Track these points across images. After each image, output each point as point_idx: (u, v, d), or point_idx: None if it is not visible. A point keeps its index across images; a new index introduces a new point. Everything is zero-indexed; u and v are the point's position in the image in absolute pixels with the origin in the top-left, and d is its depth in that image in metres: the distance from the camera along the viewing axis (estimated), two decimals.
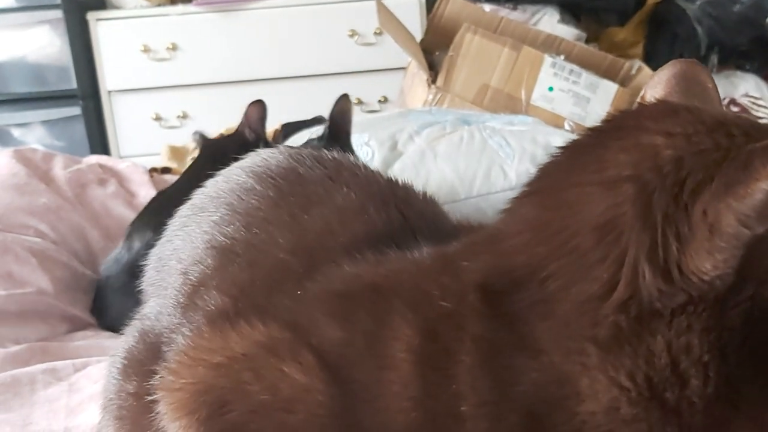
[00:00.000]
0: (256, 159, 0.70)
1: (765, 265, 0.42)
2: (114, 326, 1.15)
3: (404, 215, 0.62)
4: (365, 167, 0.69)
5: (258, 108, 1.30)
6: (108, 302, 1.26)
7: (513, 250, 0.48)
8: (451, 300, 0.50)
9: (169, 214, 0.75)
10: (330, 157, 0.69)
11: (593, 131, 0.49)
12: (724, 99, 2.17)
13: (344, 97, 1.22)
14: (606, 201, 0.45)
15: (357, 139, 1.38)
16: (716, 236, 0.41)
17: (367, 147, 1.36)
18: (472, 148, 1.34)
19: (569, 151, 0.50)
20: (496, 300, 0.48)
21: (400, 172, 1.27)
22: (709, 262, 0.41)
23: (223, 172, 0.72)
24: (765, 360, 0.43)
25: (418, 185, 0.70)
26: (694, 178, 0.42)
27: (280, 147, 0.70)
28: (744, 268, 0.42)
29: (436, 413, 0.48)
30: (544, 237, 0.47)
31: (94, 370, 1.01)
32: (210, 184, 0.72)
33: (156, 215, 1.14)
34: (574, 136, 0.51)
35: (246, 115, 1.30)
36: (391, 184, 0.68)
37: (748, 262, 0.42)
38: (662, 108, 0.48)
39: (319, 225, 0.61)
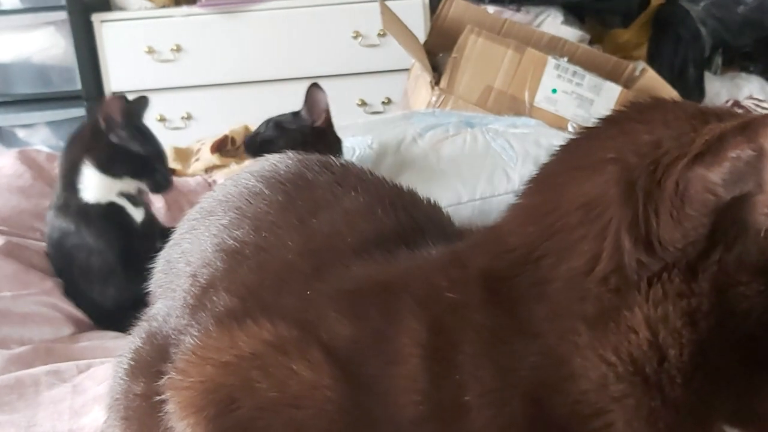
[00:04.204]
0: (265, 164, 0.71)
1: (732, 232, 0.44)
2: None
3: (413, 216, 0.63)
4: (371, 173, 0.70)
5: (118, 103, 1.30)
6: None
7: (508, 232, 0.51)
8: (457, 291, 0.51)
9: None
10: (337, 163, 0.70)
11: (587, 128, 0.52)
12: (728, 101, 2.16)
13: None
14: (591, 181, 0.47)
15: (360, 141, 1.39)
16: (686, 204, 0.43)
17: (370, 149, 1.36)
18: (475, 151, 1.34)
19: (565, 146, 0.53)
20: (497, 286, 0.50)
21: (403, 174, 1.27)
22: (678, 231, 0.44)
23: (232, 176, 0.73)
24: (733, 331, 0.45)
25: (421, 188, 0.71)
26: (669, 156, 0.45)
27: (289, 153, 0.71)
28: (713, 235, 0.44)
29: (442, 405, 0.49)
30: (534, 218, 0.50)
31: (99, 372, 1.02)
32: (219, 188, 0.73)
33: None
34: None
35: (105, 105, 1.30)
36: (397, 188, 0.69)
37: (716, 229, 0.44)
38: (650, 102, 0.51)
39: (327, 228, 0.62)
